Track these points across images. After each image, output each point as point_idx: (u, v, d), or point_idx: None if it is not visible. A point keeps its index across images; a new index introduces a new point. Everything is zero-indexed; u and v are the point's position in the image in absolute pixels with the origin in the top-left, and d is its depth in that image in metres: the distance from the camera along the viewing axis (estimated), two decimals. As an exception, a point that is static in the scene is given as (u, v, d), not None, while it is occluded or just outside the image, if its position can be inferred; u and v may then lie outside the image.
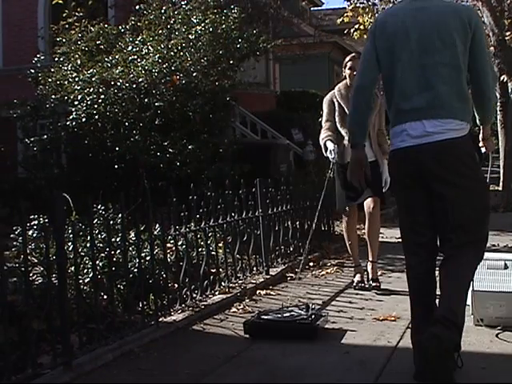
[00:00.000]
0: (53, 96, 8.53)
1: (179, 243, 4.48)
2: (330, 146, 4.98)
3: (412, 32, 2.96)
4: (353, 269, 5.30)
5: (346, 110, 4.89)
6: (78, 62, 8.51)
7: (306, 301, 4.69)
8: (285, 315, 3.91)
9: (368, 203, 5.03)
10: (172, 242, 4.42)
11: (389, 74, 3.04)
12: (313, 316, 3.85)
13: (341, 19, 12.42)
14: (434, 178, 2.94)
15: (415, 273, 3.10)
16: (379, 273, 5.71)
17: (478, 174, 3.04)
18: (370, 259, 5.10)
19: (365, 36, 12.43)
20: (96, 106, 7.77)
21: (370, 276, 5.07)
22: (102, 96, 7.73)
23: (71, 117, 8.00)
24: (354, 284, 5.11)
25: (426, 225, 3.03)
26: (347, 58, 5.14)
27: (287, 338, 3.74)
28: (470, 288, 3.30)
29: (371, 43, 3.06)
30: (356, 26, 12.48)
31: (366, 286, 5.05)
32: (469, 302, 3.43)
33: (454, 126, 2.91)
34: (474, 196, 2.98)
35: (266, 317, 3.91)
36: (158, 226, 4.32)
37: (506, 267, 3.73)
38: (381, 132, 5.19)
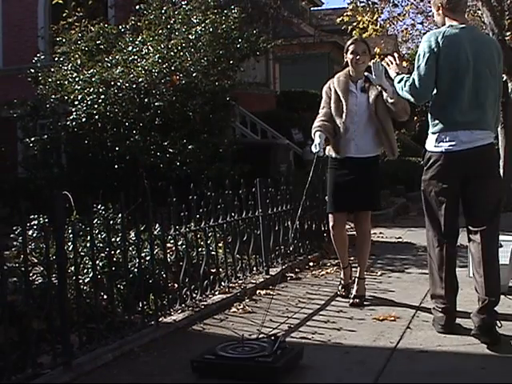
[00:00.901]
0: (53, 96, 8.52)
1: (179, 243, 4.48)
2: (317, 139, 4.47)
3: (470, 59, 3.61)
4: (353, 269, 5.18)
5: (342, 97, 4.60)
6: (78, 62, 8.51)
7: (306, 301, 4.70)
8: (244, 349, 3.23)
9: (359, 219, 4.71)
10: (172, 242, 4.42)
11: (446, 88, 3.65)
12: (278, 352, 3.15)
13: (340, 18, 12.43)
14: (478, 172, 3.66)
15: (447, 251, 3.74)
16: (379, 273, 5.71)
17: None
18: (358, 275, 4.70)
19: (363, 35, 12.43)
20: (96, 106, 7.77)
21: (354, 292, 4.64)
22: (102, 96, 7.73)
23: (71, 117, 8.00)
24: (340, 290, 4.83)
25: (457, 210, 3.80)
26: (349, 42, 4.68)
27: (243, 379, 3.06)
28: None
29: (433, 59, 3.61)
30: (355, 24, 12.47)
31: (351, 296, 4.65)
32: (471, 273, 4.20)
33: (491, 134, 3.73)
34: (497, 185, 3.86)
35: (219, 352, 3.20)
36: (157, 226, 4.32)
37: (500, 246, 4.15)
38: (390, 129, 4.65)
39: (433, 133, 3.73)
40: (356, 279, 4.70)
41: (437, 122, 3.70)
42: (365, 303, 4.56)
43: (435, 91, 3.69)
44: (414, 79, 3.67)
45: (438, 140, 3.68)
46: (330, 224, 4.76)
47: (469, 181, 3.68)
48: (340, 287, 4.87)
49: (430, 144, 3.75)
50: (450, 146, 3.63)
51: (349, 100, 4.59)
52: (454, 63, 3.61)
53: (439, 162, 3.68)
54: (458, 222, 3.79)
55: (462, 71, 3.60)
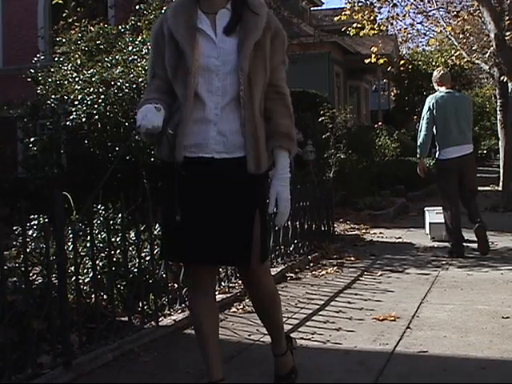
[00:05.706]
0: (53, 96, 8.52)
1: (179, 243, 4.46)
2: (146, 108, 2.42)
3: (453, 110, 6.44)
4: (353, 269, 5.12)
5: (185, 46, 2.42)
6: (78, 61, 8.51)
7: (306, 301, 4.69)
8: None
9: (252, 276, 2.65)
10: (172, 241, 4.41)
11: (442, 127, 6.45)
12: None
13: (338, 17, 12.45)
14: (465, 169, 6.47)
15: (456, 211, 6.51)
16: (378, 273, 5.71)
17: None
18: (273, 352, 2.89)
19: (361, 33, 12.45)
20: (96, 106, 7.77)
21: (276, 371, 2.90)
22: (102, 96, 7.73)
23: (71, 117, 7.99)
24: None
25: (458, 189, 6.55)
26: None
27: None
28: (428, 220, 7.72)
29: (431, 114, 6.46)
30: (354, 25, 12.48)
31: None
32: (427, 230, 7.64)
33: (471, 146, 6.62)
34: (475, 177, 6.91)
35: None
36: (158, 225, 4.32)
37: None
38: (275, 92, 2.55)
39: (439, 149, 6.50)
40: (274, 358, 2.89)
41: (440, 143, 6.48)
42: (364, 303, 4.56)
43: (437, 129, 6.44)
44: (421, 125, 6.54)
45: (443, 153, 6.46)
46: (190, 294, 2.83)
47: (462, 174, 6.43)
48: None
49: (439, 155, 6.52)
50: (449, 155, 6.43)
51: (200, 48, 2.44)
52: (444, 113, 6.42)
53: (446, 164, 6.46)
54: (458, 195, 6.45)
55: (449, 117, 6.41)
